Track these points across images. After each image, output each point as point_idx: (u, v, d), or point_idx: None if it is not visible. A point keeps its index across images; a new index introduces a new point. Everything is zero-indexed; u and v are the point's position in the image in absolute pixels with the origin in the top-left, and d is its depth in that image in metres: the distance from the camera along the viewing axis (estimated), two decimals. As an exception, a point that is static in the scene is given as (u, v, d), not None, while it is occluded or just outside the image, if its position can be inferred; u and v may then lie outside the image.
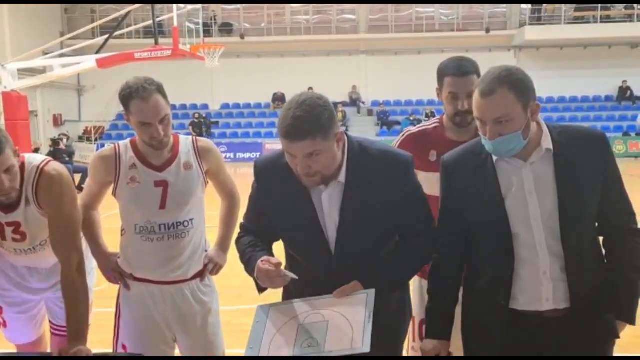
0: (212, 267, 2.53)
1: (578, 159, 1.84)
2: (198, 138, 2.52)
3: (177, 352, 2.62)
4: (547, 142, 1.86)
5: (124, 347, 2.48)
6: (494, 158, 1.88)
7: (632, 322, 1.92)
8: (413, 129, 2.59)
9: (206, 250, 2.55)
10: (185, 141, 2.47)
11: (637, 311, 1.95)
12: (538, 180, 1.84)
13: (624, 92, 22.45)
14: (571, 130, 1.92)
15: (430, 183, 2.22)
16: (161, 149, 2.36)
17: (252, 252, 2.00)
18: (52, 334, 2.59)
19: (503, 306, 1.89)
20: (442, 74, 2.43)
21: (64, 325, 2.42)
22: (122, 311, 2.49)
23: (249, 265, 1.99)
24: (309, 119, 1.77)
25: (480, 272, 1.95)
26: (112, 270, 2.47)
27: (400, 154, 2.02)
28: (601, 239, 1.97)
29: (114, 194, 2.42)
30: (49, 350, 2.67)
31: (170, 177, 2.37)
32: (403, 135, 2.59)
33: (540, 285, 1.85)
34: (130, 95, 2.24)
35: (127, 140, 2.44)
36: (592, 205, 1.86)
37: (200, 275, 2.49)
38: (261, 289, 1.97)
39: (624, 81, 22.30)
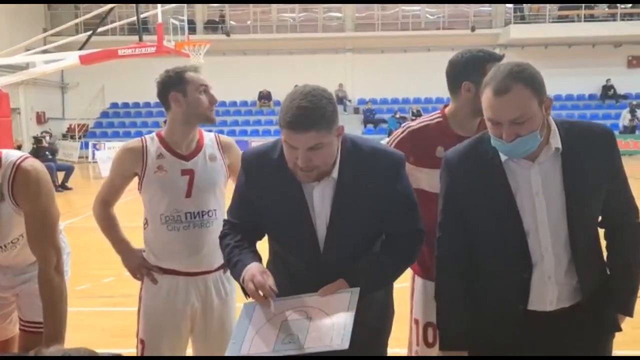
0: None
1: (585, 159, 1.76)
2: (218, 134, 2.61)
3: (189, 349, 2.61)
4: (556, 141, 1.77)
5: (141, 342, 2.47)
6: (502, 157, 1.79)
7: (630, 314, 1.90)
8: (413, 124, 2.45)
9: None
10: (208, 136, 2.56)
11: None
12: (545, 182, 1.77)
13: (608, 91, 22.70)
14: (579, 126, 1.83)
15: (435, 180, 2.10)
16: (212, 119, 2.44)
17: (239, 254, 1.93)
18: (20, 330, 2.52)
19: (517, 308, 1.83)
20: None
21: (31, 320, 2.40)
22: (144, 304, 2.50)
23: (235, 268, 1.92)
24: (315, 110, 1.73)
25: (492, 278, 1.88)
26: (139, 266, 2.49)
27: (393, 152, 1.99)
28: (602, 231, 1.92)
29: (140, 185, 2.45)
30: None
31: (196, 166, 2.44)
32: (403, 132, 2.45)
33: (545, 288, 1.80)
34: (182, 71, 2.41)
35: (153, 134, 2.51)
36: (598, 206, 1.82)
37: (223, 267, 2.50)
38: (247, 294, 1.91)
39: (608, 80, 22.54)
